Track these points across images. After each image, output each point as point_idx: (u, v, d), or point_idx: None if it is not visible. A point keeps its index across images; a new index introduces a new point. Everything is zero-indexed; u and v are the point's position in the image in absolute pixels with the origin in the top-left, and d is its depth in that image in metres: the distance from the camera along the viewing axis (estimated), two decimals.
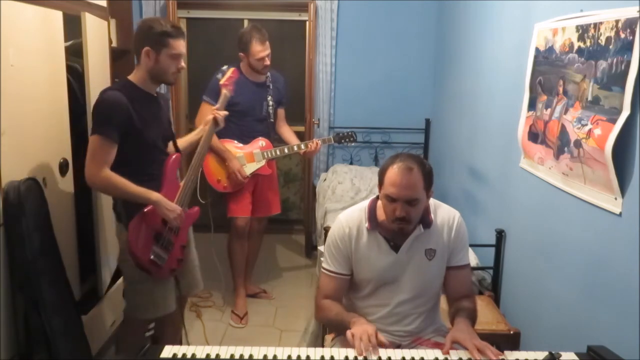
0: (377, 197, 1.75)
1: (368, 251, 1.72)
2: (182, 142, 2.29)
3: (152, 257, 2.02)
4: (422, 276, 1.72)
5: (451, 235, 1.72)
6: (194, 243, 2.37)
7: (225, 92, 2.36)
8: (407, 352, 1.48)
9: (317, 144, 3.11)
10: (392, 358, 1.45)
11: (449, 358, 1.47)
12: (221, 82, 2.40)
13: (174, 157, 2.14)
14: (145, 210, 1.99)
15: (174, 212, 2.04)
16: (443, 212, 1.75)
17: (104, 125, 1.90)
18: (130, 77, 2.06)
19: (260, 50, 2.96)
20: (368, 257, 1.72)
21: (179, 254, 2.17)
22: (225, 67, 2.52)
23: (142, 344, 1.44)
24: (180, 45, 2.03)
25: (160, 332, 2.35)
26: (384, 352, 1.47)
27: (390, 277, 1.72)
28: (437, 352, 1.50)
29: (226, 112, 2.32)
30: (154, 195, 2.00)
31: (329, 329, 1.94)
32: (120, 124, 1.92)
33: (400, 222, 1.61)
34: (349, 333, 1.51)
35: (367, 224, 1.72)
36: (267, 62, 3.01)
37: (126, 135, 1.95)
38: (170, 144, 2.23)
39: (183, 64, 2.08)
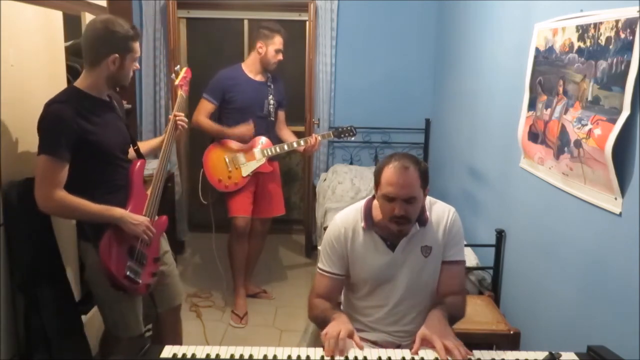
0: (373, 197, 1.75)
1: (364, 251, 1.72)
2: (143, 147, 2.17)
3: (127, 273, 1.87)
4: (419, 274, 1.72)
5: (446, 230, 1.72)
6: (170, 252, 2.26)
7: (181, 93, 2.29)
8: (407, 352, 1.48)
9: (316, 138, 3.12)
10: (392, 358, 1.45)
11: (449, 358, 1.46)
12: (176, 83, 2.31)
13: (138, 164, 2.00)
14: (114, 226, 1.85)
15: (141, 225, 1.89)
16: (438, 209, 1.76)
17: (52, 144, 1.73)
18: (78, 84, 1.88)
19: (281, 42, 3.10)
20: (364, 256, 1.72)
21: (153, 268, 2.04)
22: (177, 67, 2.37)
23: (140, 344, 1.43)
24: (139, 47, 1.93)
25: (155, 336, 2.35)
26: (384, 352, 1.47)
27: (387, 276, 1.72)
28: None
29: (182, 114, 2.21)
30: (117, 211, 1.85)
31: (319, 328, 1.94)
32: (70, 139, 1.75)
33: (399, 221, 1.61)
34: (323, 332, 1.52)
35: (363, 224, 1.72)
36: (281, 57, 3.12)
37: (80, 149, 1.79)
38: (131, 150, 2.09)
39: (137, 64, 1.97)
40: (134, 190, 1.97)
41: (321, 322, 1.68)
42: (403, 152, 1.71)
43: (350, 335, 1.52)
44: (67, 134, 1.75)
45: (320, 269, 1.78)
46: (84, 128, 1.79)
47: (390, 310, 1.73)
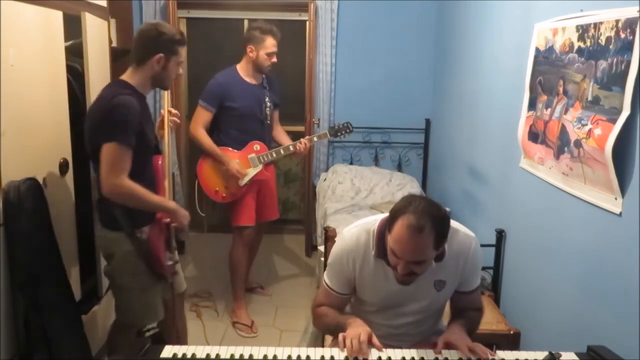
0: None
1: (373, 278, 1.65)
2: None
3: (169, 262, 2.08)
4: (428, 306, 1.68)
5: (466, 265, 1.63)
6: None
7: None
8: (407, 352, 1.49)
9: (305, 144, 3.03)
10: (392, 358, 1.45)
11: (448, 358, 1.47)
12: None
13: (160, 159, 2.13)
14: (159, 217, 2.04)
15: (186, 218, 2.09)
16: (460, 240, 1.62)
17: (122, 132, 1.85)
18: (128, 80, 1.99)
19: (273, 44, 2.94)
20: (373, 283, 1.66)
21: (174, 256, 2.22)
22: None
23: (140, 344, 1.43)
24: (184, 52, 2.05)
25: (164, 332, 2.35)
26: (384, 352, 1.47)
27: (394, 303, 1.68)
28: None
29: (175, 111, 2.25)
30: (171, 204, 2.05)
31: (329, 334, 1.92)
32: (135, 129, 1.89)
33: (402, 276, 1.53)
34: (340, 336, 1.50)
35: (374, 251, 1.61)
36: (275, 59, 2.98)
37: (136, 141, 1.91)
38: None
39: (181, 70, 2.09)
40: (159, 184, 2.12)
41: (334, 329, 1.63)
42: (425, 199, 1.49)
43: (370, 338, 1.50)
44: (134, 124, 1.88)
45: (326, 283, 1.72)
46: (142, 121, 1.93)
47: (394, 329, 1.72)
